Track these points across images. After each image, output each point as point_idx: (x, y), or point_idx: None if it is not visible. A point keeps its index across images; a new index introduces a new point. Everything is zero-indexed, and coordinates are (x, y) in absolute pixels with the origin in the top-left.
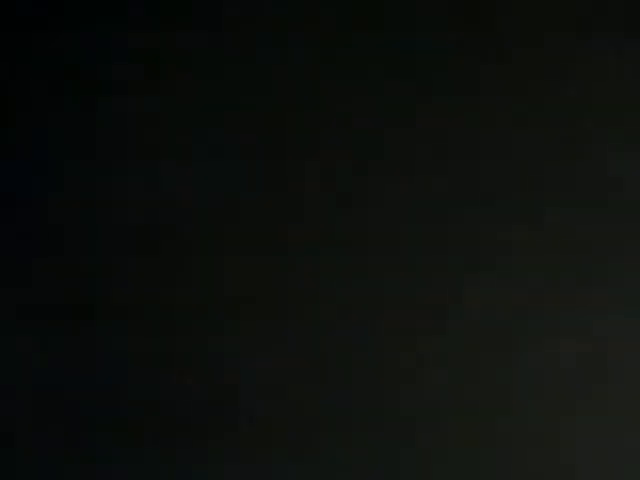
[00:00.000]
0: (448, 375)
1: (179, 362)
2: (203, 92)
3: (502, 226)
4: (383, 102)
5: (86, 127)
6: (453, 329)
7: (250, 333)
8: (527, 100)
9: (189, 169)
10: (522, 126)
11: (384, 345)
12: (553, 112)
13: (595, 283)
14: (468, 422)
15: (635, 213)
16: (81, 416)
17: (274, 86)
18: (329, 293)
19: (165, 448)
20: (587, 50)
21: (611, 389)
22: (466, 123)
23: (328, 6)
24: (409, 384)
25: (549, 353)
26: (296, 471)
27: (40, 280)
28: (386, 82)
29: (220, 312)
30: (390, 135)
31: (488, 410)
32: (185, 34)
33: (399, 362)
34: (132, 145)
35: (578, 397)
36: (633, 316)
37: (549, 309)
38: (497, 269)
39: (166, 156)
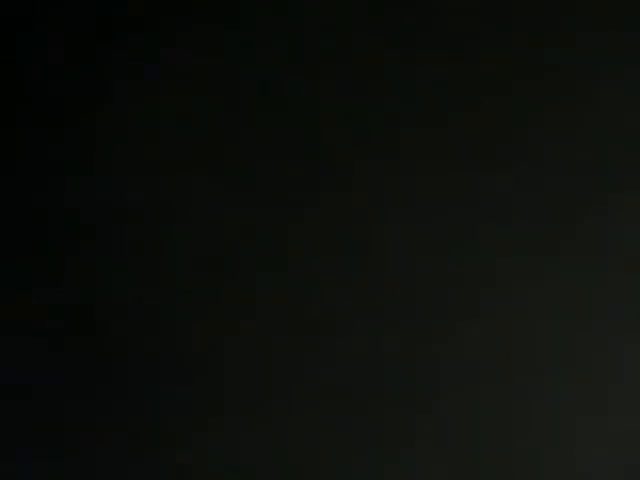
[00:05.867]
0: (463, 388)
1: (179, 364)
2: (201, 95)
3: (519, 242)
4: (395, 116)
5: (85, 131)
6: (468, 339)
7: (251, 337)
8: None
9: (188, 174)
10: (546, 137)
11: (399, 352)
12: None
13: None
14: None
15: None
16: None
17: (275, 88)
18: (343, 303)
19: (165, 448)
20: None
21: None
22: (480, 137)
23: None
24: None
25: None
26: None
27: (41, 283)
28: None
29: (221, 317)
30: (406, 148)
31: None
32: (186, 35)
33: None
34: (132, 149)
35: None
36: None
37: (565, 318)
38: (513, 282)
39: (166, 161)
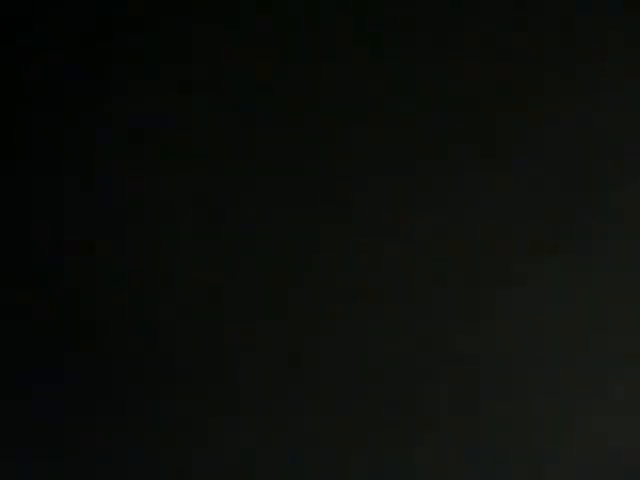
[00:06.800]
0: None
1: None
2: (201, 92)
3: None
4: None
5: (85, 131)
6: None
7: (251, 337)
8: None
9: (189, 174)
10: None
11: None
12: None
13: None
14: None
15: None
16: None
17: (275, 88)
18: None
19: (165, 447)
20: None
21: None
22: (480, 137)
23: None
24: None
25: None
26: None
27: (41, 283)
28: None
29: (221, 317)
30: (405, 147)
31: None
32: (186, 29)
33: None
34: (132, 149)
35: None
36: None
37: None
38: (528, 286)
39: (166, 161)
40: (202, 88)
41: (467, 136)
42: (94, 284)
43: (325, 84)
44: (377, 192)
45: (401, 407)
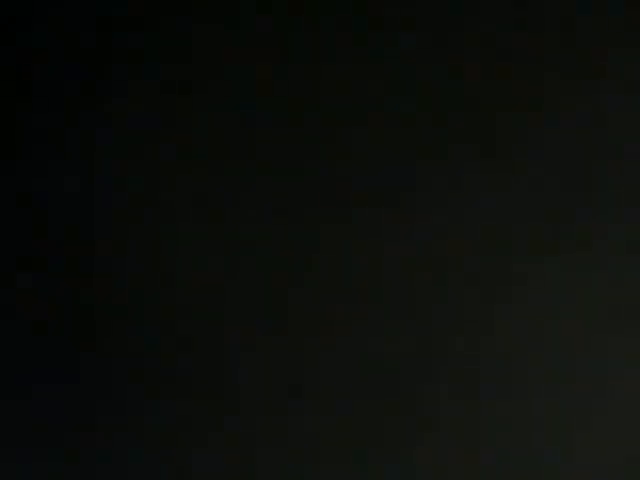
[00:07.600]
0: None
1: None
2: (200, 87)
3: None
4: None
5: (85, 131)
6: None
7: (251, 337)
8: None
9: (188, 174)
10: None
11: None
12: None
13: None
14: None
15: None
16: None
17: (275, 88)
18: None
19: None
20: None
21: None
22: (480, 136)
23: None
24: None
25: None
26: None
27: (41, 284)
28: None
29: (221, 317)
30: (405, 147)
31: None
32: (185, 28)
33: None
34: (132, 149)
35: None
36: None
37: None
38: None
39: (166, 161)
40: (202, 88)
41: (467, 136)
42: (94, 284)
43: (325, 84)
44: (377, 192)
45: (401, 407)
